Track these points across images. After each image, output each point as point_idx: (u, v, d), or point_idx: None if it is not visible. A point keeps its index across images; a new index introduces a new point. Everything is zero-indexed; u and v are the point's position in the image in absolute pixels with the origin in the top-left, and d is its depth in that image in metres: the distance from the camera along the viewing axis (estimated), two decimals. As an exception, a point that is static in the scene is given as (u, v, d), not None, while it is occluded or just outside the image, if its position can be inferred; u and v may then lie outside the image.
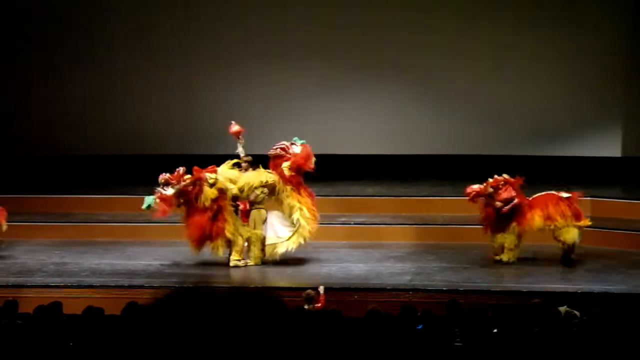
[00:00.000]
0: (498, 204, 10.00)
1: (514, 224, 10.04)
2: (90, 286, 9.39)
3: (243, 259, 10.14)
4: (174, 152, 13.45)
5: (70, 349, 6.34)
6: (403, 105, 14.35)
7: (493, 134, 14.16)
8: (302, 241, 10.04)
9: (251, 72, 14.35)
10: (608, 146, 13.99)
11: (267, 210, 10.28)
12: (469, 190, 10.20)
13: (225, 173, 10.14)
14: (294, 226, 10.06)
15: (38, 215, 12.19)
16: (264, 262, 10.17)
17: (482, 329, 6.54)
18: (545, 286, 9.38)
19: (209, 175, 9.99)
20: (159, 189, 10.00)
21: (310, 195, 10.28)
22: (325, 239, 11.38)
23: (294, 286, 9.12)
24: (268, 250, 10.14)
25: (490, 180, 10.14)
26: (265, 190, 10.14)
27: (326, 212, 12.17)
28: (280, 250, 10.06)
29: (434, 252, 10.86)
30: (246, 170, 10.34)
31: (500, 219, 10.03)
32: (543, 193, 10.27)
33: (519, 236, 10.09)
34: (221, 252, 10.06)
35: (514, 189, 10.07)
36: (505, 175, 10.16)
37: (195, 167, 10.09)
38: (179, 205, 10.09)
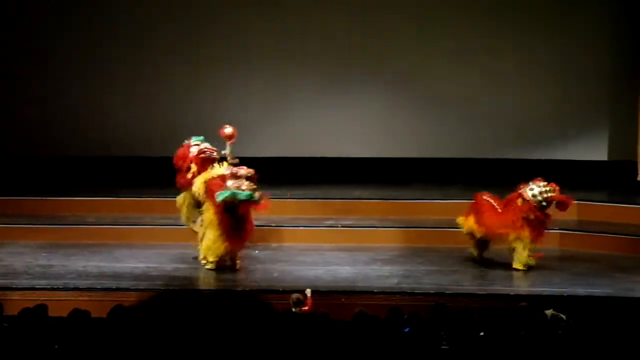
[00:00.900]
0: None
1: None
2: (77, 288, 9.35)
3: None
4: (161, 154, 13.41)
5: (56, 351, 6.31)
6: (392, 108, 14.35)
7: (480, 137, 14.20)
8: None
9: (245, 76, 14.33)
10: (594, 150, 14.05)
11: None
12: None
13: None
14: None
15: (24, 217, 12.13)
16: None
17: (469, 332, 6.55)
18: (532, 289, 9.42)
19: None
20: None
21: None
22: (312, 241, 11.38)
23: (280, 289, 9.11)
24: None
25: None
26: None
27: (313, 214, 12.20)
28: None
29: (422, 255, 10.87)
30: None
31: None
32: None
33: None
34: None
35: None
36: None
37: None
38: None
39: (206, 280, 9.83)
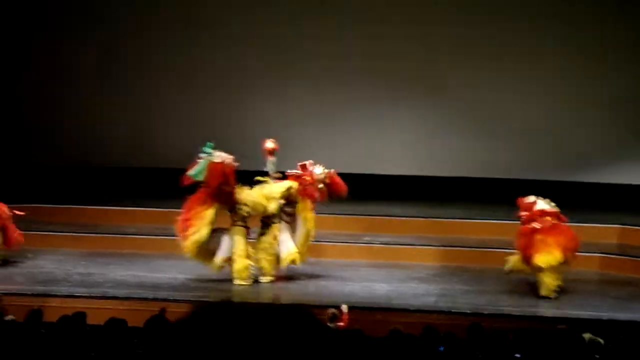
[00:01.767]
0: None
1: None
2: (115, 297, 9.44)
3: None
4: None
5: (93, 359, 6.37)
6: (433, 126, 14.33)
7: (524, 158, 14.08)
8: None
9: (285, 92, 14.43)
10: (637, 173, 13.87)
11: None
12: None
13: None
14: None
15: (66, 225, 12.29)
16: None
17: (504, 353, 6.50)
18: (570, 312, 9.30)
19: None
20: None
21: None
22: (349, 257, 11.37)
23: (316, 304, 9.10)
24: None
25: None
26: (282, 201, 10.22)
27: (351, 230, 12.19)
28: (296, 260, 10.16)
29: (459, 274, 10.81)
30: None
31: None
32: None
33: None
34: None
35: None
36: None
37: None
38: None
39: (247, 294, 9.84)
